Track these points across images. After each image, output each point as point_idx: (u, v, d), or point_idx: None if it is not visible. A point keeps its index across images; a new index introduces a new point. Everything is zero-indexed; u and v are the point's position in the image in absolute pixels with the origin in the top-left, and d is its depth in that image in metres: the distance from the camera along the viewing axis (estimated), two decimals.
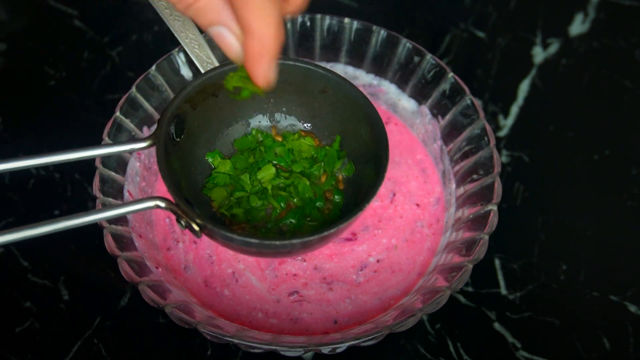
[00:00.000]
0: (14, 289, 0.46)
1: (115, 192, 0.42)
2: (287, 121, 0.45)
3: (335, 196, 0.43)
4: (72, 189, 0.51)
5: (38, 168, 0.52)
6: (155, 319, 0.45)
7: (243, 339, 0.36)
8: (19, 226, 0.31)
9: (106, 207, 0.34)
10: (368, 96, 0.41)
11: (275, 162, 0.44)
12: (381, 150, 0.39)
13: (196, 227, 0.35)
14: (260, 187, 0.43)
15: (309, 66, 0.41)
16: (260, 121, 0.45)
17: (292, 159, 0.44)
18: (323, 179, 0.44)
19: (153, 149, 0.44)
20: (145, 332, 0.45)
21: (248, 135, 0.45)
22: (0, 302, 0.46)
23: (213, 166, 0.43)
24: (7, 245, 0.48)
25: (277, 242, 0.36)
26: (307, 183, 0.43)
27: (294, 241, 0.36)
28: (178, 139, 0.40)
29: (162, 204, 0.35)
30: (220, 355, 0.44)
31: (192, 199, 0.40)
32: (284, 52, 0.51)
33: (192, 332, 0.37)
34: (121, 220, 0.41)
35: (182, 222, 0.35)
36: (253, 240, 0.35)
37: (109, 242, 0.39)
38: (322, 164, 0.44)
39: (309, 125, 0.45)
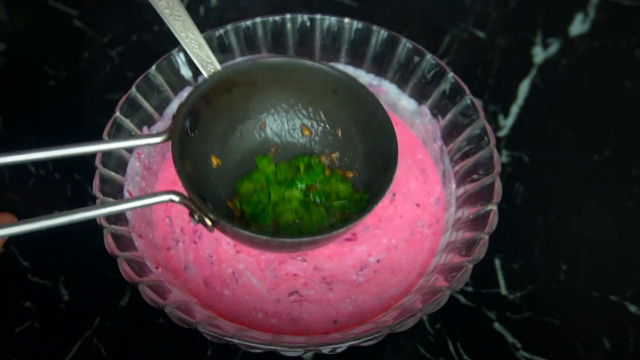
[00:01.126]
0: (14, 289, 0.46)
1: (115, 192, 0.42)
2: (298, 119, 0.46)
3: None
4: (72, 189, 0.51)
5: (38, 168, 0.52)
6: (155, 319, 0.45)
7: (243, 339, 0.36)
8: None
9: (120, 200, 0.35)
10: None
11: (313, 196, 0.44)
12: (390, 155, 0.40)
13: (209, 222, 0.36)
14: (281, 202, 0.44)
15: (321, 65, 0.42)
16: (272, 118, 0.46)
17: (326, 196, 0.45)
18: (337, 214, 0.44)
19: (152, 149, 0.44)
20: (145, 332, 0.45)
21: (305, 156, 0.46)
22: (0, 302, 0.46)
23: (257, 167, 0.45)
24: (7, 245, 0.48)
25: (287, 240, 0.38)
26: (324, 214, 0.44)
27: (303, 239, 0.37)
28: (192, 134, 0.40)
29: (176, 198, 0.36)
30: (220, 355, 0.44)
31: (204, 194, 0.40)
32: (283, 51, 0.51)
33: (192, 332, 0.37)
34: (121, 220, 0.41)
35: (195, 217, 0.36)
36: (263, 237, 0.37)
37: (109, 242, 0.38)
38: (347, 204, 0.44)
39: (320, 120, 0.46)
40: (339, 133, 0.45)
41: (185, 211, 0.47)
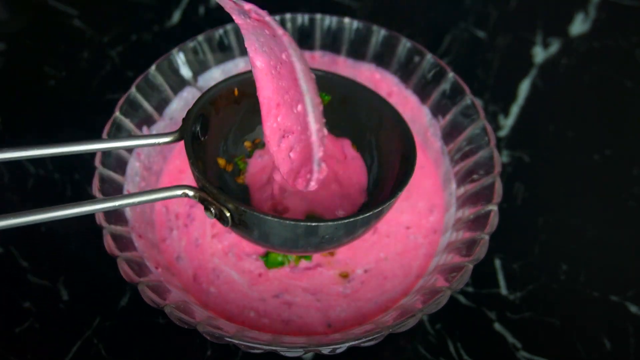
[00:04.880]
0: (13, 289, 0.46)
1: (115, 192, 0.42)
2: None
3: None
4: (72, 189, 0.51)
5: (37, 168, 0.52)
6: (155, 319, 0.45)
7: (243, 339, 0.36)
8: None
9: (132, 194, 0.33)
10: None
11: None
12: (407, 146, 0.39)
13: (227, 213, 0.34)
14: None
15: (329, 74, 0.41)
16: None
17: None
18: None
19: (152, 150, 0.43)
20: (145, 332, 0.45)
21: None
22: (0, 302, 0.46)
23: None
24: (6, 245, 0.48)
25: (323, 224, 0.34)
26: None
27: (341, 222, 0.34)
28: (202, 138, 0.39)
29: (190, 192, 0.34)
30: (220, 355, 0.44)
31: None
32: None
33: (192, 332, 0.37)
34: (121, 220, 0.41)
35: (212, 210, 0.34)
36: (290, 222, 0.33)
37: (109, 242, 0.38)
38: None
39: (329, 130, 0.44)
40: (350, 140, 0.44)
41: (180, 199, 0.47)
